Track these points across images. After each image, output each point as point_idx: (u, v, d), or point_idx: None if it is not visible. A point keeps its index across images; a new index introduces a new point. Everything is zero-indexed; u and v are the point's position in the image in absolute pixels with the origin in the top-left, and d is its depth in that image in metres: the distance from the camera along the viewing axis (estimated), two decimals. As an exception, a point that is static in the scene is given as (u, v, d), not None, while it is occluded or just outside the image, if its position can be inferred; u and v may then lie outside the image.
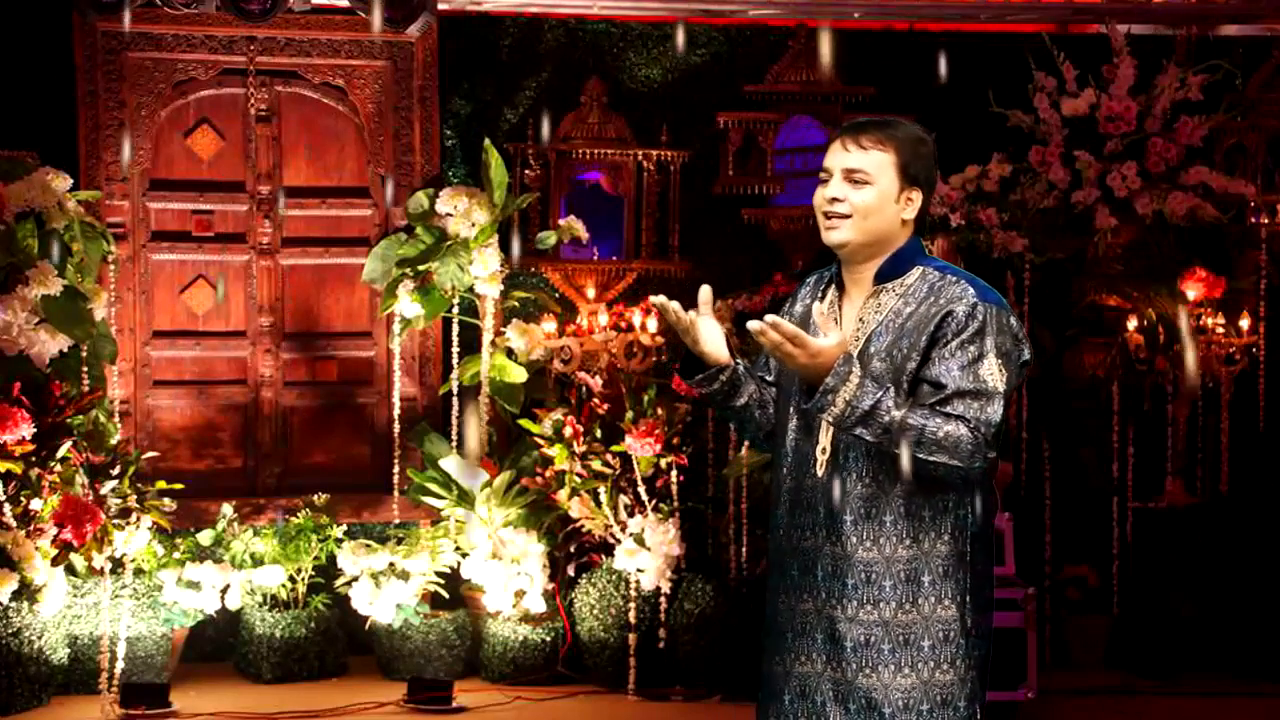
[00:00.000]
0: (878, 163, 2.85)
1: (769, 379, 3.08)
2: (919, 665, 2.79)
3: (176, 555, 6.21)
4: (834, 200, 2.86)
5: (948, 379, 2.73)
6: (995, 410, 2.73)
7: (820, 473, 2.86)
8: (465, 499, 6.42)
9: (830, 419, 2.73)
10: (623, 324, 6.76)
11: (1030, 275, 6.71)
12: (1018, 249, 6.60)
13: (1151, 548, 6.70)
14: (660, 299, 2.90)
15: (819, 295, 3.01)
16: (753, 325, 2.72)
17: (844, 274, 2.97)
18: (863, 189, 2.85)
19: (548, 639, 6.37)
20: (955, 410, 2.70)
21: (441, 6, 6.92)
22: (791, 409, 2.94)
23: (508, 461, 6.60)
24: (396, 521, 6.78)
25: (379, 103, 7.07)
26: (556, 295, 7.09)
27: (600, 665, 6.32)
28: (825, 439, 2.86)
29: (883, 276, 2.91)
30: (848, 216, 2.85)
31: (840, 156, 2.87)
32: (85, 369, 5.98)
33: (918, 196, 2.90)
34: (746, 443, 3.20)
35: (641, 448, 6.18)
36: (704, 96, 7.24)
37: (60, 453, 5.73)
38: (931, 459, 2.69)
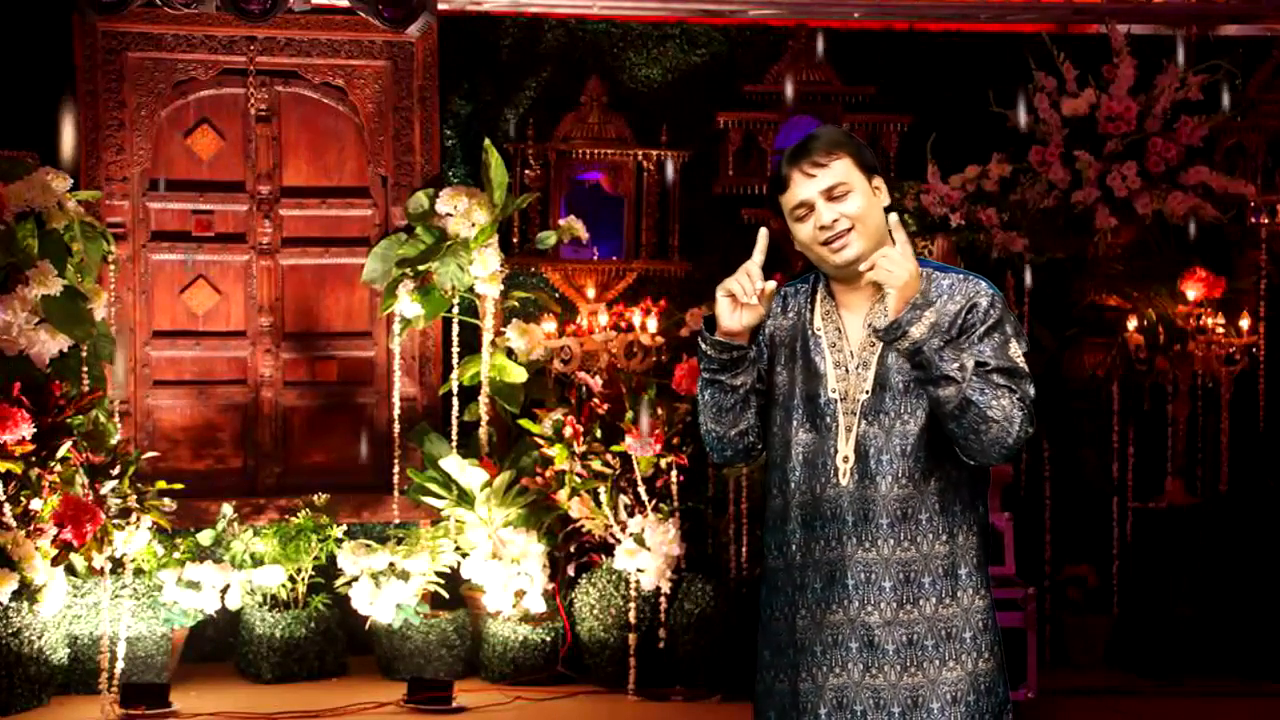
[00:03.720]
0: (843, 170, 2.86)
1: (761, 388, 3.05)
2: (963, 657, 2.82)
3: (176, 555, 6.21)
4: (833, 222, 2.85)
5: (986, 358, 2.78)
6: (1031, 388, 2.80)
7: (844, 481, 2.85)
8: (465, 499, 6.42)
9: (916, 334, 2.72)
10: (623, 324, 6.76)
11: (1030, 275, 6.71)
12: (1018, 249, 6.59)
13: (1151, 548, 6.70)
14: (762, 236, 2.87)
15: (809, 306, 2.99)
16: (893, 218, 2.82)
17: (839, 286, 2.94)
18: (849, 199, 2.86)
19: (548, 639, 6.37)
20: (1000, 381, 2.75)
21: (442, 6, 6.92)
22: (795, 423, 2.92)
23: (508, 461, 6.60)
24: (396, 521, 6.78)
25: (379, 103, 7.07)
26: (556, 295, 7.09)
27: (600, 665, 6.32)
28: (847, 447, 2.86)
29: None
30: (850, 229, 2.85)
31: (809, 185, 2.87)
32: (85, 369, 5.98)
33: (880, 181, 2.92)
34: (709, 447, 3.10)
35: (641, 448, 6.18)
36: (704, 96, 7.24)
37: (60, 453, 5.72)
38: (990, 413, 2.72)
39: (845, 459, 2.85)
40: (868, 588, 2.82)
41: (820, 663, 2.86)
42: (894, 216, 2.83)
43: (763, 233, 2.88)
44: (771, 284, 2.86)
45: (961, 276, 2.89)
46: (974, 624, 2.83)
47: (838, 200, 2.85)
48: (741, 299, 2.83)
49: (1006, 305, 2.85)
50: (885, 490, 2.82)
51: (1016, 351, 2.81)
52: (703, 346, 2.92)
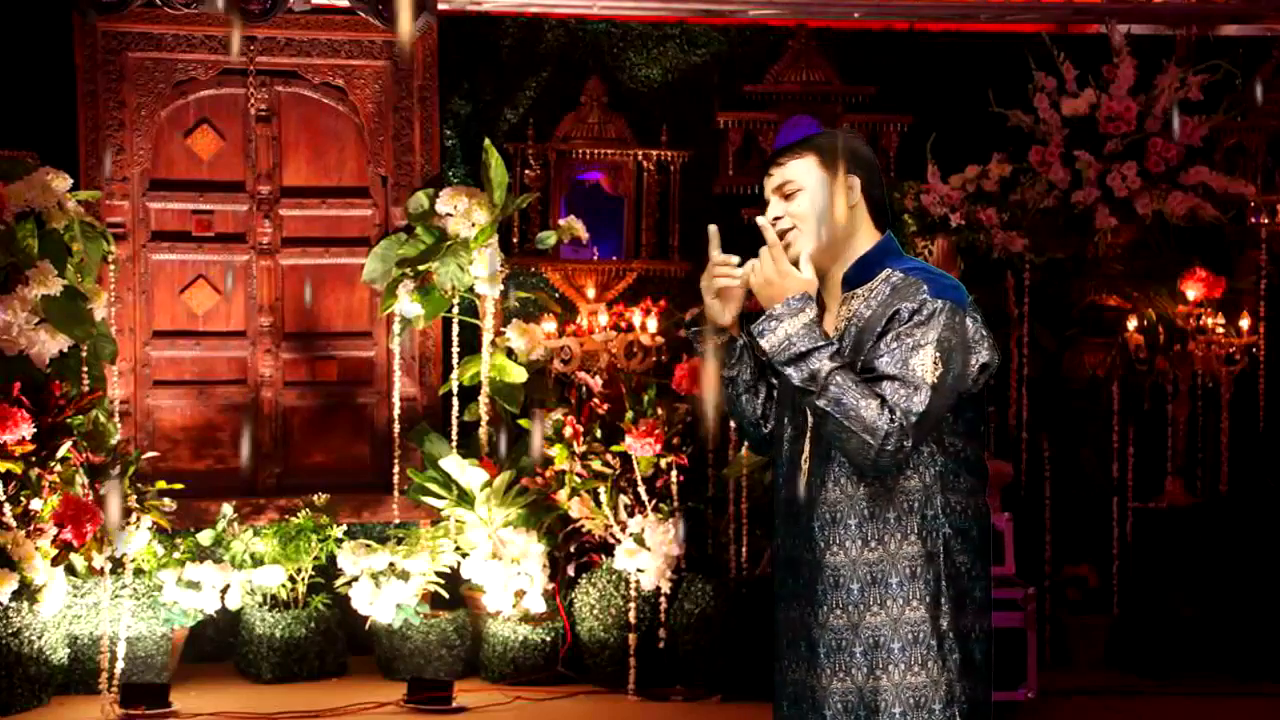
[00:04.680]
0: (799, 169, 2.89)
1: (772, 381, 3.06)
2: (889, 668, 2.77)
3: (176, 555, 6.21)
4: (776, 219, 2.88)
5: (878, 364, 2.71)
6: (920, 401, 2.67)
7: (804, 482, 2.86)
8: (465, 499, 6.42)
9: (766, 346, 2.74)
10: (623, 324, 6.76)
11: (1030, 275, 6.71)
12: (1018, 249, 6.59)
13: (1151, 548, 6.70)
14: (713, 231, 2.93)
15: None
16: (760, 220, 2.84)
17: (821, 288, 2.91)
18: (795, 197, 2.88)
19: (548, 639, 6.37)
20: (879, 390, 2.68)
21: (442, 6, 6.92)
22: (786, 422, 2.94)
23: (508, 461, 6.60)
24: (396, 521, 6.78)
25: (379, 103, 7.07)
26: (556, 295, 7.09)
27: (600, 665, 6.32)
28: (808, 449, 2.86)
29: (850, 282, 2.88)
30: (793, 228, 2.86)
31: (768, 183, 2.94)
32: (85, 369, 5.98)
33: (855, 181, 2.88)
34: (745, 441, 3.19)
35: (641, 448, 6.18)
36: (704, 96, 7.24)
37: (60, 453, 5.73)
38: (847, 424, 2.66)
39: (806, 460, 2.86)
40: (809, 589, 2.83)
41: (784, 656, 2.91)
42: (761, 219, 2.85)
43: (712, 229, 2.92)
44: (735, 258, 2.91)
45: (915, 280, 2.79)
46: (903, 635, 2.75)
47: (789, 199, 2.88)
48: (728, 285, 2.88)
49: (948, 312, 2.72)
50: (816, 494, 2.82)
51: (922, 361, 2.67)
52: (693, 344, 3.03)
